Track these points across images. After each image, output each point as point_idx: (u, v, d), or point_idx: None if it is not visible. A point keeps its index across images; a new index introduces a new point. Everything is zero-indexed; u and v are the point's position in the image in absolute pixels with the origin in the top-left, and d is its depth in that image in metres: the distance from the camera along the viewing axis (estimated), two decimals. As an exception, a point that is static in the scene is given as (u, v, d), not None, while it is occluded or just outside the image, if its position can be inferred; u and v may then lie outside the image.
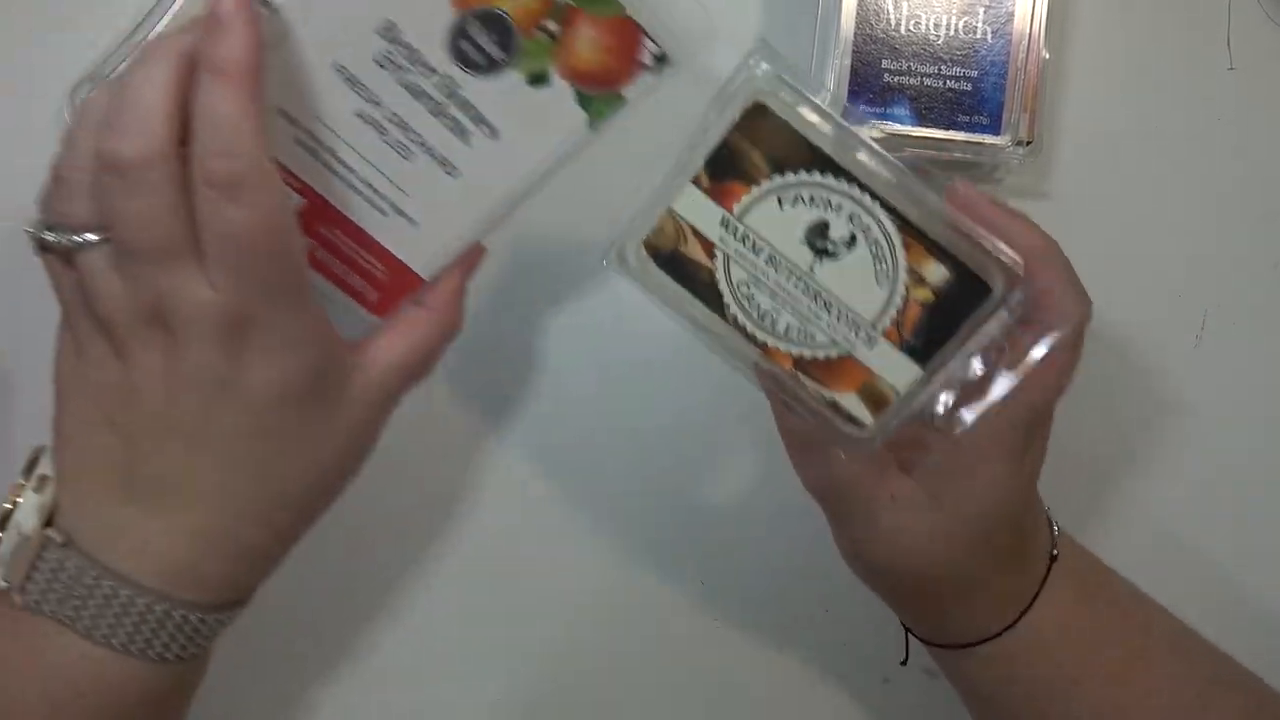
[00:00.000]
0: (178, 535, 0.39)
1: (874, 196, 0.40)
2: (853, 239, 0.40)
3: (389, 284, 0.43)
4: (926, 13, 0.50)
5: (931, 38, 0.50)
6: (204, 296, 0.36)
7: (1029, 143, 0.50)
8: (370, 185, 0.42)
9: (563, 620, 0.54)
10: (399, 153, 0.42)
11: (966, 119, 0.50)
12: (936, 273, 0.40)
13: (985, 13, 0.50)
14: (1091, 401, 0.54)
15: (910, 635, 0.48)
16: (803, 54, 0.52)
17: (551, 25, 0.41)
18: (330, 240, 0.43)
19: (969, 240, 0.40)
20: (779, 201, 0.40)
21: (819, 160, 0.40)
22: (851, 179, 0.40)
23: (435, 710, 0.54)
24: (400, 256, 0.43)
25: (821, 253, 0.40)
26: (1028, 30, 0.50)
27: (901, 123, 0.50)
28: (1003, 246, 0.39)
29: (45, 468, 0.40)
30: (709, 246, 0.41)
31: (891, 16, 0.50)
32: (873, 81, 0.50)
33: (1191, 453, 0.55)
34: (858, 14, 0.50)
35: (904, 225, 0.40)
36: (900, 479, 0.42)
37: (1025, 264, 0.39)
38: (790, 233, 0.40)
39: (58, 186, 0.38)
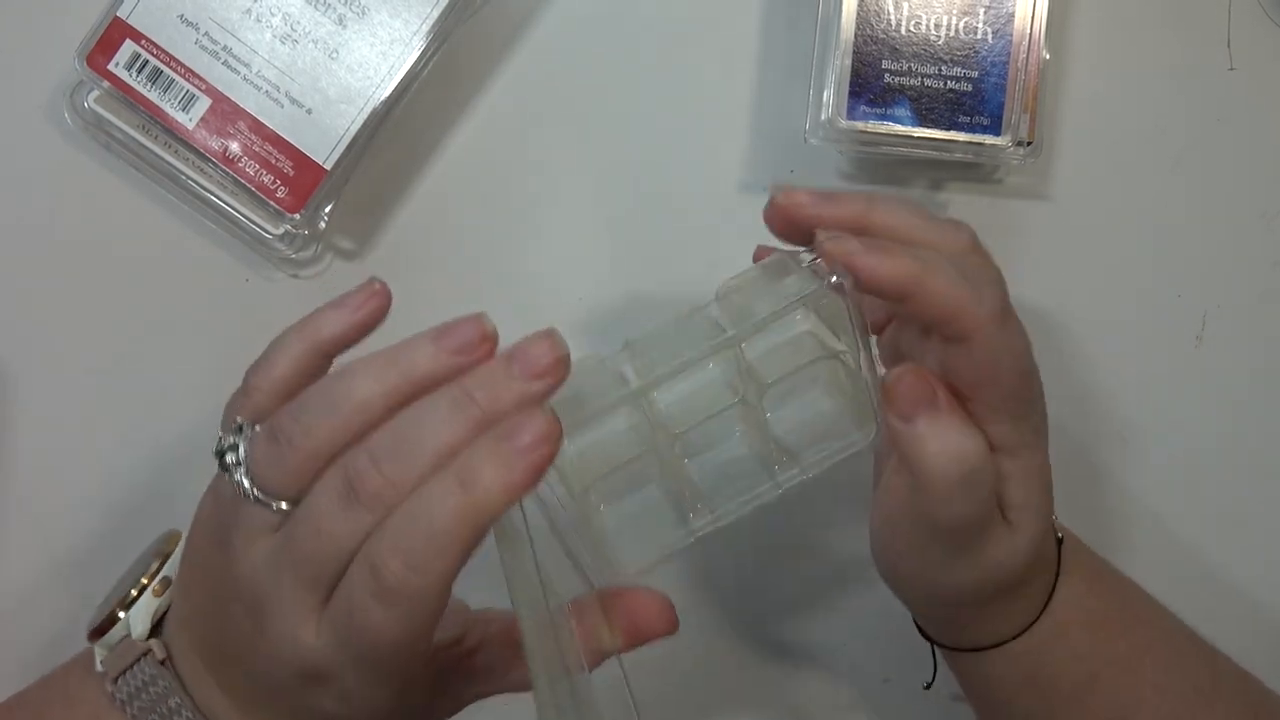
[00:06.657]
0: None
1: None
2: None
3: (294, 179, 0.48)
4: (927, 13, 0.50)
5: (932, 38, 0.50)
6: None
7: (1029, 143, 0.50)
8: (265, 78, 0.48)
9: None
10: (285, 44, 0.48)
11: (967, 119, 0.50)
12: None
13: (985, 13, 0.50)
14: (1091, 401, 0.54)
15: (934, 645, 0.47)
16: (803, 54, 0.52)
17: None
18: (239, 137, 0.48)
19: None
20: None
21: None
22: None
23: None
24: (298, 145, 0.48)
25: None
26: (1028, 30, 0.50)
27: (902, 123, 0.50)
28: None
29: (171, 570, 0.40)
30: None
31: (892, 17, 0.50)
32: (873, 82, 0.50)
33: (1192, 453, 0.55)
34: (858, 14, 0.50)
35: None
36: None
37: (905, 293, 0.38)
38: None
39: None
